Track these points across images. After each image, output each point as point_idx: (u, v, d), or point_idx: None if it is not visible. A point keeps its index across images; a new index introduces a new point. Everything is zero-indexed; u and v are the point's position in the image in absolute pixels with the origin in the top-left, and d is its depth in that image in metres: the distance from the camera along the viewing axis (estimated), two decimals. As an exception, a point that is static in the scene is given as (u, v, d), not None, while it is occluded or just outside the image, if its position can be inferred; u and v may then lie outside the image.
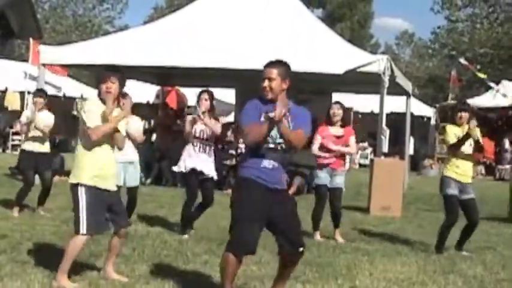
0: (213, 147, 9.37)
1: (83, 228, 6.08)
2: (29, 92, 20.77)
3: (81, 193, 6.15)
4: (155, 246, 8.17)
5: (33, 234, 8.50)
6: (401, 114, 19.83)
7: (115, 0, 49.37)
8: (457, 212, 8.72)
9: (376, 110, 15.66)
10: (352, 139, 9.76)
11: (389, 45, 64.16)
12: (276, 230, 5.67)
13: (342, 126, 9.63)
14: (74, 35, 42.20)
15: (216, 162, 9.56)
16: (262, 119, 5.46)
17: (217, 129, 9.19)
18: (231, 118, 22.21)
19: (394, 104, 21.82)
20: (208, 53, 14.37)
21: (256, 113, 5.55)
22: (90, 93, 27.19)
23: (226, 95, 20.72)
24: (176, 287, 6.32)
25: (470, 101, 22.95)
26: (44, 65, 15.56)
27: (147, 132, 17.03)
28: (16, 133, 24.65)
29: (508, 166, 24.36)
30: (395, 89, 15.60)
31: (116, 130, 6.27)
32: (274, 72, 5.62)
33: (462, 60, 29.39)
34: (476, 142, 8.66)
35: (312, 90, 15.63)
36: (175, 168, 9.44)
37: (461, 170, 8.71)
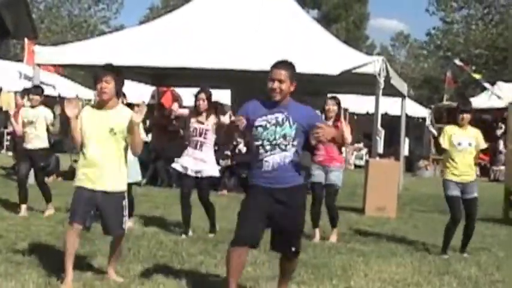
0: (211, 146, 9.35)
1: (68, 217, 6.22)
2: (21, 94, 20.73)
3: (74, 192, 6.24)
4: (150, 246, 8.16)
5: (28, 235, 8.49)
6: (397, 115, 19.86)
7: (110, 1, 49.30)
8: (460, 211, 8.74)
9: (372, 111, 15.68)
10: (347, 131, 9.69)
11: (385, 46, 64.27)
12: (272, 228, 5.73)
13: (336, 120, 9.59)
14: (70, 35, 42.14)
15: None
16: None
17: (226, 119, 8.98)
18: (226, 119, 22.18)
19: (390, 105, 21.86)
20: (204, 53, 14.36)
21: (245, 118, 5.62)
22: (86, 93, 27.20)
23: (222, 95, 20.70)
24: (171, 287, 6.32)
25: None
26: (38, 65, 15.54)
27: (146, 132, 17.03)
28: (11, 133, 24.62)
29: (502, 167, 24.40)
30: (391, 90, 15.61)
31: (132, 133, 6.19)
32: (284, 74, 5.61)
33: (457, 62, 29.45)
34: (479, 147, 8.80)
35: (307, 91, 15.56)
36: (173, 165, 9.43)
37: (459, 171, 8.73)
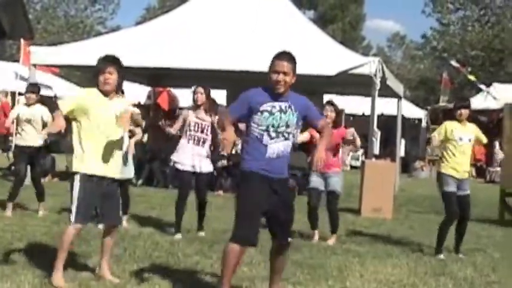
0: (209, 142, 9.34)
1: (72, 218, 6.08)
2: (20, 93, 20.68)
3: (76, 181, 6.11)
4: (146, 247, 8.16)
5: (23, 235, 8.47)
6: (393, 116, 19.88)
7: (107, 1, 49.24)
8: (456, 209, 8.73)
9: (368, 112, 15.69)
10: (349, 133, 9.70)
11: (381, 47, 64.33)
12: (272, 219, 5.75)
13: (334, 127, 9.60)
14: (66, 36, 42.04)
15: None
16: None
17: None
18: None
19: (386, 106, 21.86)
20: (200, 54, 14.37)
21: (242, 108, 5.62)
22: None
23: (218, 96, 20.70)
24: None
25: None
26: (34, 65, 15.53)
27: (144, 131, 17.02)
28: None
29: (498, 168, 24.44)
30: (387, 91, 15.63)
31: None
32: (288, 66, 5.65)
33: (453, 63, 29.49)
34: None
35: (303, 91, 15.58)
36: (175, 165, 9.36)
37: (458, 166, 8.73)
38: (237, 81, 15.86)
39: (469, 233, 9.27)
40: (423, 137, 29.16)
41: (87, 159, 6.11)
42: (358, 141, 9.89)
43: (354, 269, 7.60)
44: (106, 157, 6.15)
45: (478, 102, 28.16)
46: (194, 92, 9.30)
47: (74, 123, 6.18)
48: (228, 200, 12.41)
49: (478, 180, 24.07)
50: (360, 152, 28.06)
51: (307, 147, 9.99)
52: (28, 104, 10.51)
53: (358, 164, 25.79)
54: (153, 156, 16.58)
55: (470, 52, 40.69)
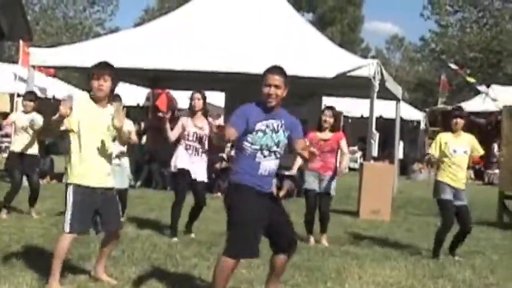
0: (206, 150, 9.36)
1: (67, 227, 6.06)
2: (18, 95, 20.68)
3: (69, 192, 6.13)
4: (145, 249, 8.15)
5: (21, 237, 8.47)
6: (391, 118, 19.88)
7: (106, 3, 49.26)
8: (453, 216, 8.72)
9: (366, 114, 15.69)
10: (343, 142, 9.70)
11: (380, 49, 64.41)
12: (274, 233, 5.72)
13: (332, 131, 9.61)
14: (65, 37, 42.05)
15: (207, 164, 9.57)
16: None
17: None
18: (220, 121, 22.19)
19: (384, 108, 21.87)
20: (199, 56, 14.37)
21: (243, 122, 5.55)
22: (80, 95, 27.13)
23: (216, 98, 20.71)
24: (165, 290, 6.32)
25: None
26: (33, 66, 15.52)
27: (140, 134, 17.03)
28: (5, 135, 24.55)
29: (496, 171, 24.45)
30: (385, 93, 15.62)
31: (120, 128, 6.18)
32: (279, 80, 5.63)
33: (452, 65, 29.48)
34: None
35: (302, 93, 15.65)
36: (170, 169, 9.38)
37: (454, 176, 8.72)
38: (235, 84, 15.89)
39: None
40: (421, 139, 29.16)
41: (78, 170, 6.13)
42: (346, 151, 9.89)
43: (352, 271, 7.60)
44: (96, 167, 6.16)
45: (476, 104, 28.19)
46: (191, 98, 9.30)
47: (68, 134, 6.19)
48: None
49: (477, 183, 24.09)
50: (359, 154, 28.10)
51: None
52: (25, 112, 10.52)
53: (356, 166, 25.80)
54: (151, 158, 16.58)
55: (468, 54, 40.71)
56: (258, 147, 5.60)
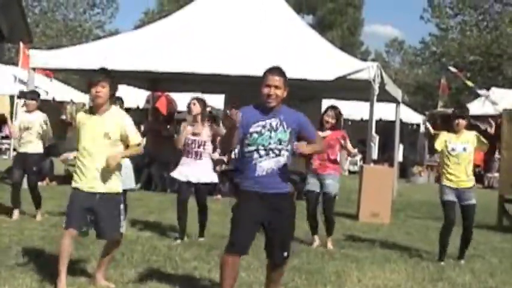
0: (209, 154, 9.41)
1: (63, 224, 6.21)
2: (18, 96, 20.71)
3: (70, 194, 6.27)
4: (144, 251, 8.15)
5: (21, 239, 8.48)
6: (391, 121, 19.88)
7: (106, 5, 49.24)
8: (453, 216, 8.72)
9: (366, 117, 15.69)
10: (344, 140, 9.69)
11: (379, 52, 64.37)
12: (269, 234, 5.73)
13: (332, 130, 9.58)
14: (64, 39, 42.03)
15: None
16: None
17: (220, 131, 9.16)
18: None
19: (384, 111, 21.88)
20: (199, 58, 14.37)
21: (243, 125, 5.57)
22: (80, 97, 27.15)
23: (216, 100, 20.72)
24: (165, 292, 6.32)
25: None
26: (33, 69, 15.53)
27: (142, 135, 17.01)
28: (5, 137, 24.57)
29: (496, 174, 24.45)
30: (385, 96, 15.63)
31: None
32: (279, 80, 5.64)
33: (452, 68, 29.48)
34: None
35: (302, 96, 15.65)
36: (173, 175, 9.40)
37: (455, 177, 8.72)
38: (235, 86, 15.89)
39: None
40: (421, 142, 29.16)
41: (77, 174, 6.27)
42: (349, 146, 9.84)
43: (352, 274, 7.60)
44: (95, 174, 6.21)
45: (475, 108, 28.19)
46: (188, 103, 9.43)
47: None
48: (226, 205, 12.38)
49: (477, 186, 24.00)
50: (358, 157, 28.09)
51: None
52: (28, 111, 10.52)
53: (356, 169, 25.82)
54: (151, 161, 16.56)
55: (468, 57, 40.71)
56: (254, 148, 5.62)
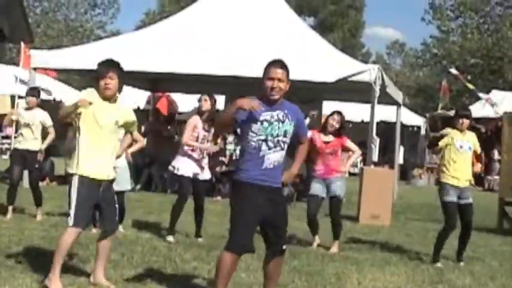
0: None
1: (71, 221, 6.07)
2: (19, 96, 20.67)
3: (74, 183, 6.13)
4: (144, 252, 8.15)
5: (21, 239, 8.46)
6: (392, 123, 19.88)
7: (107, 6, 49.28)
8: (455, 218, 8.71)
9: (367, 119, 15.69)
10: (349, 143, 9.71)
11: (380, 54, 64.42)
12: (267, 227, 5.73)
13: (335, 136, 9.56)
14: (66, 40, 42.07)
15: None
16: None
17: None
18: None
19: (385, 113, 21.88)
20: (200, 59, 14.38)
21: (243, 114, 5.57)
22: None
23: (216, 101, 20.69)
24: (165, 293, 6.31)
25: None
26: (35, 69, 15.53)
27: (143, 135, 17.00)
28: (6, 137, 24.57)
29: (496, 177, 24.44)
30: (386, 98, 15.64)
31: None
32: (282, 73, 5.63)
33: (453, 71, 29.47)
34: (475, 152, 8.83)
35: (303, 98, 15.64)
36: (180, 172, 9.35)
37: (460, 174, 8.71)
38: (236, 87, 15.86)
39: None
40: (422, 145, 29.16)
41: (84, 161, 6.13)
42: (356, 148, 9.88)
43: (352, 277, 7.59)
44: (102, 160, 6.19)
45: (476, 110, 28.19)
46: (199, 100, 9.44)
47: (75, 126, 6.19)
48: (226, 206, 12.38)
49: (477, 189, 24.08)
50: (359, 159, 28.09)
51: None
52: (28, 108, 10.51)
53: (356, 171, 25.80)
54: (151, 161, 16.57)
55: (469, 60, 40.71)
56: (263, 137, 5.58)
